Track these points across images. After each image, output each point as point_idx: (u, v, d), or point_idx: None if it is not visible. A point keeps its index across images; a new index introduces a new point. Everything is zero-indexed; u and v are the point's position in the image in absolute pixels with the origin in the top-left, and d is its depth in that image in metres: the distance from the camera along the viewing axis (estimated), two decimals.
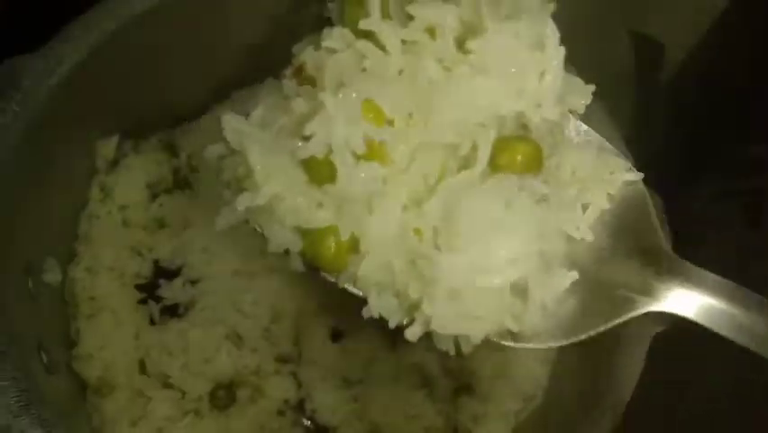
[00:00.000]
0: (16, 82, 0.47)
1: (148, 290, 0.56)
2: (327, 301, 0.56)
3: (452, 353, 0.41)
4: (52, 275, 0.53)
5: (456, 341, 0.42)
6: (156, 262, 0.57)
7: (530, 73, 0.39)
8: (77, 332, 0.55)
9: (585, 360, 0.55)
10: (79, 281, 0.56)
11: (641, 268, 0.42)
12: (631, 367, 0.49)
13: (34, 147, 0.49)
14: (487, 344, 0.58)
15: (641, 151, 0.53)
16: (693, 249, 0.48)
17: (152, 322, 0.55)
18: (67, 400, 0.48)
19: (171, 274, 0.56)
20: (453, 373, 0.58)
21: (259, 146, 0.39)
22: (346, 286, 0.40)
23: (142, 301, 0.56)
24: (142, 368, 0.54)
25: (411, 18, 0.39)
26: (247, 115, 0.58)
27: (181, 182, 0.61)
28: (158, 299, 0.55)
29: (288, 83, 0.40)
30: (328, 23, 0.43)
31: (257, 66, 0.64)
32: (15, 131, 0.47)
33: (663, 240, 0.43)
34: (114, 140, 0.59)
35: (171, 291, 0.55)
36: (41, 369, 0.44)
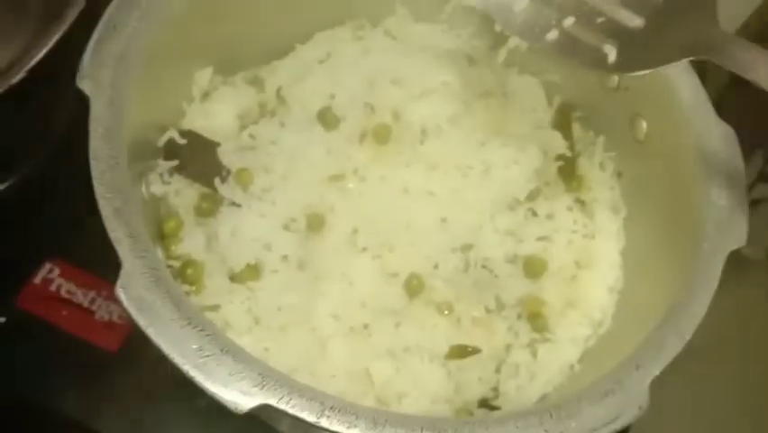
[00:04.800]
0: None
1: None
2: None
3: None
4: (156, 187, 0.57)
5: None
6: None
7: None
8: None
9: (652, 287, 0.58)
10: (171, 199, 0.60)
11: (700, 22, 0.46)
12: (703, 288, 0.51)
13: (148, 69, 0.53)
14: (557, 273, 0.62)
15: None
16: None
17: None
18: None
19: None
20: (524, 302, 0.61)
21: None
22: None
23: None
24: None
25: None
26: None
27: (268, 115, 0.64)
28: None
29: None
30: None
31: (338, 9, 0.68)
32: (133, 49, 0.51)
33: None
34: (209, 70, 0.63)
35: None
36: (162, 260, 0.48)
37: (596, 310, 0.61)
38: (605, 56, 0.49)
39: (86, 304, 0.65)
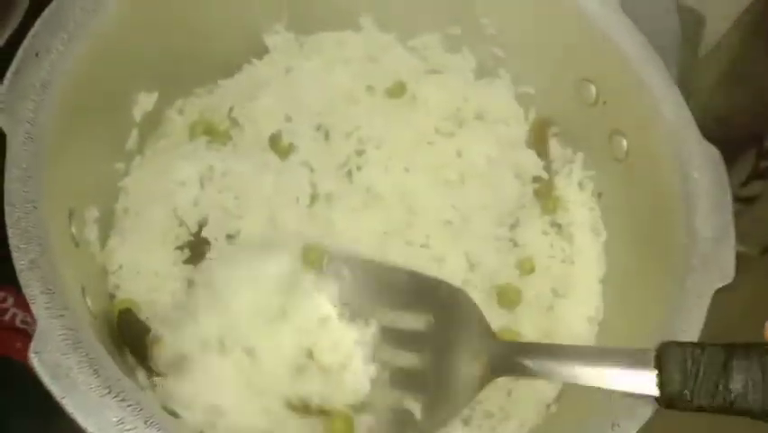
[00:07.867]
0: (64, 21, 0.47)
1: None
2: None
3: None
4: (93, 227, 0.52)
5: None
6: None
7: None
8: (116, 287, 0.54)
9: (634, 320, 0.54)
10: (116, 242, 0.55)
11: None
12: (687, 335, 0.47)
13: (78, 97, 0.49)
14: (532, 302, 0.58)
15: None
16: None
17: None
18: (111, 345, 0.47)
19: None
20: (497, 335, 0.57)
21: None
22: None
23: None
24: None
25: None
26: None
27: (222, 136, 0.60)
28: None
29: None
30: None
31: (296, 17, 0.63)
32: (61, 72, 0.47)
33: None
34: (155, 95, 0.58)
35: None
36: (87, 312, 0.44)
37: (574, 343, 0.57)
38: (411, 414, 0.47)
39: None
